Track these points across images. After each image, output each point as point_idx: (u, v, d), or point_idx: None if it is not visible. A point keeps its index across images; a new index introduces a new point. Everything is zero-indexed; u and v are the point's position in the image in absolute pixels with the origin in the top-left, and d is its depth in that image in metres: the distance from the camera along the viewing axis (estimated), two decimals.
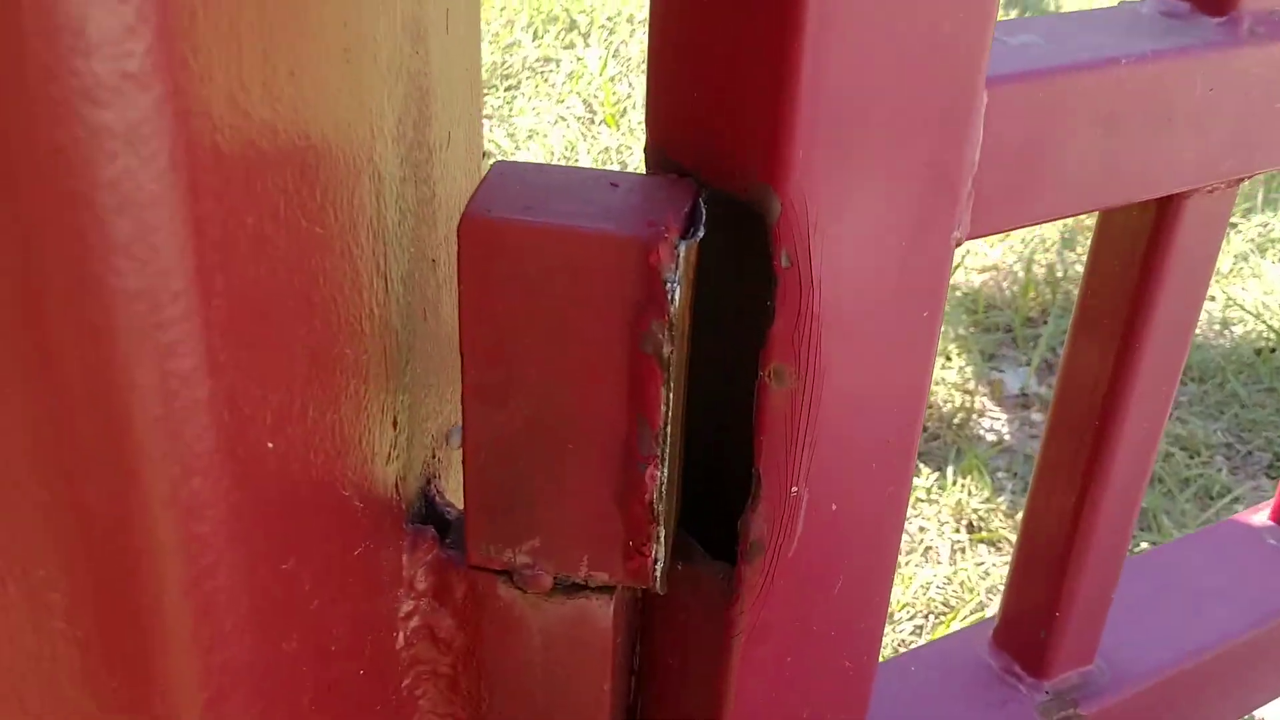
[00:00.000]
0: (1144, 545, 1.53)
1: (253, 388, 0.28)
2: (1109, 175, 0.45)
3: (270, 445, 0.30)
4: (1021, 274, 2.10)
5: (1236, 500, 1.63)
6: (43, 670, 0.28)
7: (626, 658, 0.48)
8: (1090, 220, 2.26)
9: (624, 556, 0.42)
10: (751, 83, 0.35)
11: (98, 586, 0.27)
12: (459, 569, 0.44)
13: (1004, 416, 1.76)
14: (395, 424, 0.41)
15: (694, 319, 0.40)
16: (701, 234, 0.37)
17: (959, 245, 0.40)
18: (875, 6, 0.35)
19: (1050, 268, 2.13)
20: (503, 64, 2.83)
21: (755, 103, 0.35)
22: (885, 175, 0.38)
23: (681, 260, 0.36)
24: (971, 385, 1.82)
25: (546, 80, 2.74)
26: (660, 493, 0.40)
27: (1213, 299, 2.08)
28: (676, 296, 0.36)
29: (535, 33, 2.94)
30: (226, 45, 0.25)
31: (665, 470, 0.39)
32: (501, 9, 3.04)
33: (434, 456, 0.47)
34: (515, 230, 0.36)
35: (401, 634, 0.45)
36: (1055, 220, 0.46)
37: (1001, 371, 1.86)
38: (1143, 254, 0.52)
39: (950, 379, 1.83)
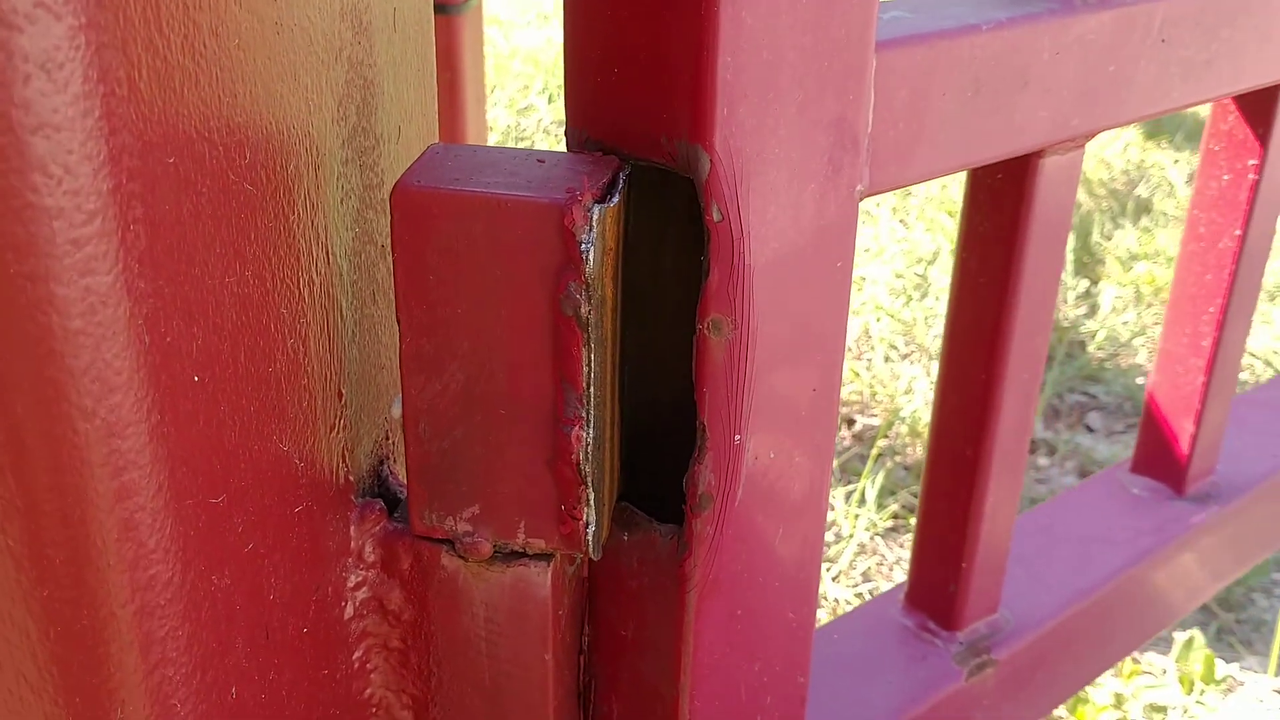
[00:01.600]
0: None
1: (175, 319, 0.31)
2: (976, 135, 0.49)
3: (196, 378, 0.32)
4: None
5: None
6: None
7: (572, 635, 0.50)
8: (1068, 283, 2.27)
9: (557, 521, 0.44)
10: (674, 53, 0.38)
11: (26, 497, 0.29)
12: (406, 540, 0.46)
13: None
14: (340, 395, 0.44)
15: (621, 292, 0.43)
16: (616, 200, 0.39)
17: (861, 200, 0.43)
18: None
19: (1058, 318, 2.15)
20: (517, 126, 2.90)
21: (679, 70, 0.38)
22: (799, 131, 0.41)
23: (595, 223, 0.38)
24: None
25: (559, 141, 2.80)
26: (586, 454, 0.42)
27: None
28: (591, 257, 0.38)
29: (550, 97, 3.02)
30: None
31: (590, 432, 0.41)
32: (517, 75, 3.12)
33: (388, 439, 0.50)
34: (442, 199, 0.39)
35: (350, 604, 0.46)
36: (936, 179, 0.49)
37: None
38: (1010, 210, 0.57)
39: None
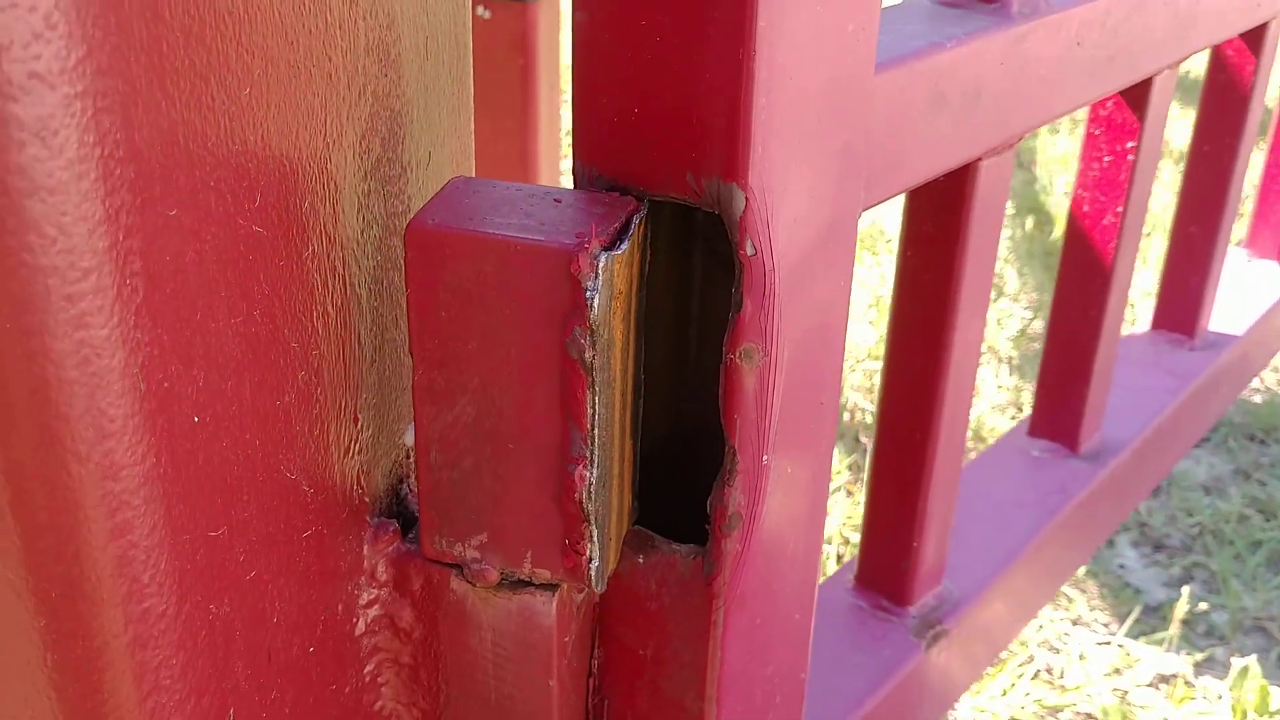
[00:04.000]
0: (1203, 606, 1.49)
1: (173, 364, 0.32)
2: (942, 145, 0.53)
3: (196, 419, 0.33)
4: None
5: None
6: None
7: (580, 661, 0.50)
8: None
9: (561, 554, 0.44)
10: (707, 95, 0.39)
11: (24, 533, 0.30)
12: (417, 561, 0.47)
13: None
14: (356, 420, 0.44)
15: (637, 328, 0.43)
16: (625, 248, 0.39)
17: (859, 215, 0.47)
18: (803, 17, 0.39)
19: (1132, 323, 2.09)
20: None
21: (714, 111, 0.39)
22: (817, 161, 0.42)
23: (601, 270, 0.38)
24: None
25: None
26: (589, 492, 0.42)
27: None
28: (596, 304, 0.38)
29: None
30: (145, 55, 0.28)
31: (594, 471, 0.42)
32: (565, 132, 3.13)
33: (409, 458, 0.50)
34: (454, 239, 0.39)
35: (362, 621, 0.47)
36: (903, 192, 0.52)
37: None
38: (953, 210, 0.61)
39: (1004, 426, 1.81)
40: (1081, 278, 0.84)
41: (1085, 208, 0.83)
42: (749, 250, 0.41)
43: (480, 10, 1.33)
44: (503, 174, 1.40)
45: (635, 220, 0.41)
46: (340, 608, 0.46)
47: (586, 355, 0.39)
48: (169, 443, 0.32)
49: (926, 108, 0.50)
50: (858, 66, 0.43)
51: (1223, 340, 1.07)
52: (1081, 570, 1.52)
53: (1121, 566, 1.54)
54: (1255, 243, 1.22)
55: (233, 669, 0.37)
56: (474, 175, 0.52)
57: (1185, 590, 1.48)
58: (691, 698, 0.49)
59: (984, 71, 0.53)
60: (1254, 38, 0.94)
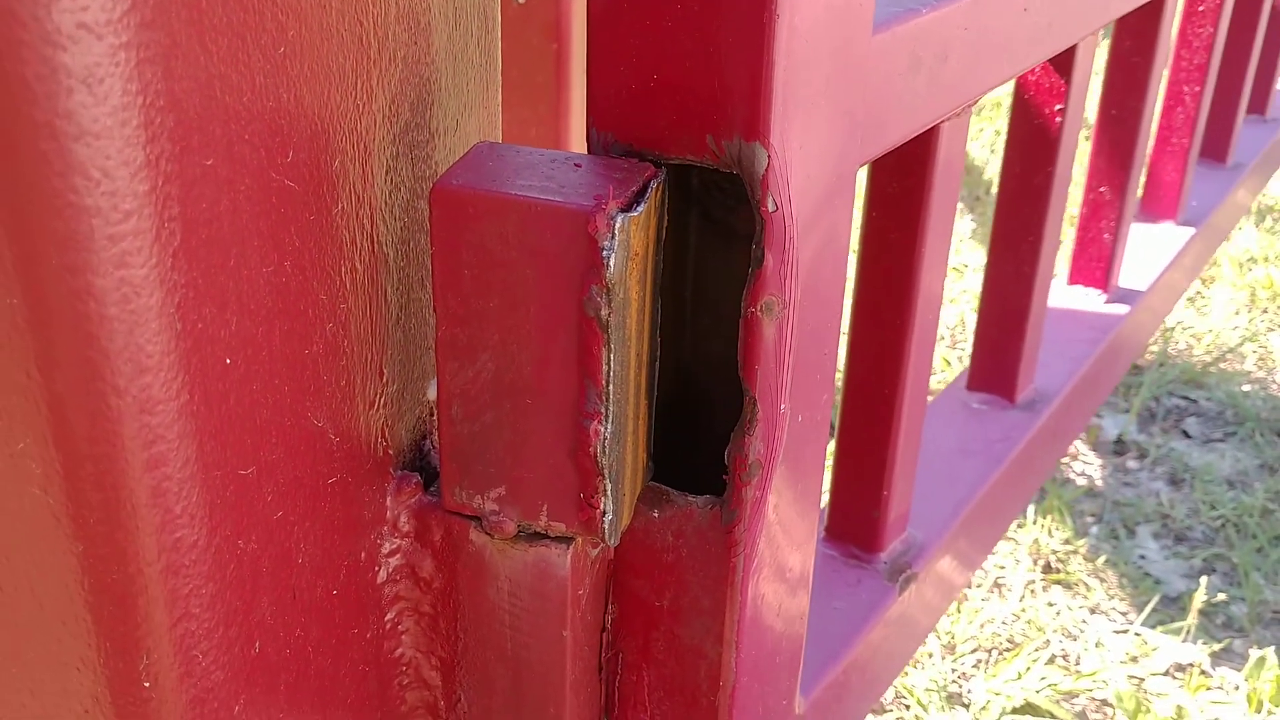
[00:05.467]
0: (1221, 597, 1.49)
1: (208, 307, 0.33)
2: (916, 107, 0.55)
3: (228, 361, 0.35)
4: None
5: None
6: (24, 531, 0.34)
7: (594, 614, 0.52)
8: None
9: (576, 508, 0.46)
10: (729, 60, 0.41)
11: (65, 461, 0.32)
12: (438, 513, 0.49)
13: (1097, 462, 1.73)
14: (382, 375, 0.46)
15: (653, 289, 0.45)
16: (641, 210, 0.41)
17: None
18: None
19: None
20: None
21: (736, 75, 0.41)
22: (826, 120, 0.45)
23: (618, 230, 0.40)
24: None
25: None
26: (604, 447, 0.43)
27: None
28: (612, 263, 0.40)
29: None
30: (186, 10, 0.30)
31: (609, 427, 0.43)
32: None
33: (431, 414, 0.52)
34: (477, 199, 0.41)
35: (384, 570, 0.49)
36: (885, 152, 0.56)
37: (1100, 417, 1.83)
38: (916, 173, 0.64)
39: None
40: (1015, 237, 0.89)
41: (1016, 169, 0.87)
42: (770, 206, 0.43)
43: None
44: None
45: (653, 185, 0.42)
46: (363, 555, 0.47)
47: (603, 313, 0.41)
48: (202, 382, 0.34)
49: (907, 70, 0.53)
50: (859, 29, 0.45)
51: (1132, 294, 1.14)
52: (1101, 559, 1.53)
53: (1142, 557, 1.55)
54: (1150, 204, 1.29)
55: (259, 603, 0.39)
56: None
57: (1204, 581, 1.48)
58: (711, 643, 0.52)
59: (951, 35, 0.57)
60: (1155, 7, 1.01)
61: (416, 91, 0.45)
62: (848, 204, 0.49)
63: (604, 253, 0.40)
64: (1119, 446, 1.76)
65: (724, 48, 0.41)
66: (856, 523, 0.76)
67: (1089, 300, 1.12)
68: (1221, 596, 1.48)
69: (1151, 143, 1.28)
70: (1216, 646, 1.40)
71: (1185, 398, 1.86)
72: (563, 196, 0.40)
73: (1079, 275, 1.13)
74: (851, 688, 0.71)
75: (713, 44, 0.41)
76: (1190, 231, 1.27)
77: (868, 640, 0.72)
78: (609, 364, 0.42)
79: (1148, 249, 1.24)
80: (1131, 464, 1.73)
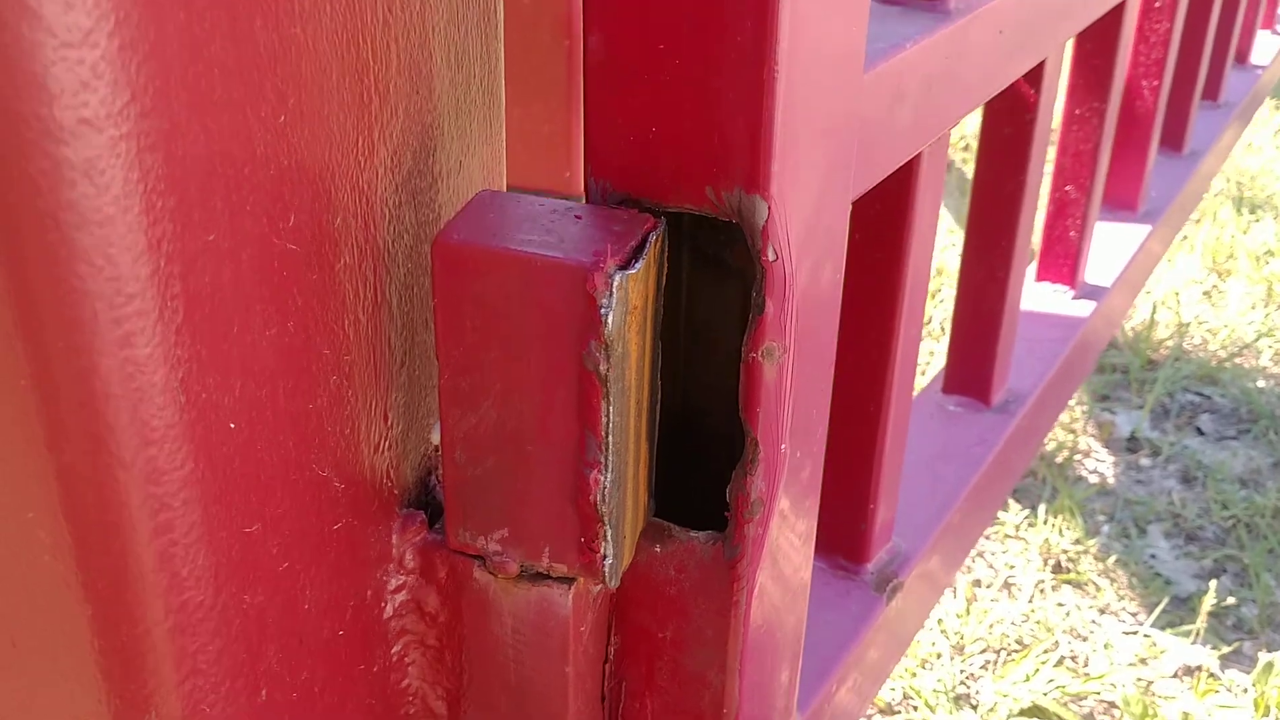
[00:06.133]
0: (1232, 600, 1.49)
1: (211, 376, 0.34)
2: (899, 140, 0.57)
3: (233, 425, 0.36)
4: (1147, 314, 2.06)
5: None
6: (35, 593, 0.35)
7: (595, 647, 0.53)
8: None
9: (578, 552, 0.46)
10: (729, 114, 0.41)
11: (74, 530, 0.33)
12: (443, 551, 0.50)
13: (1110, 459, 1.73)
14: (387, 418, 0.47)
15: (653, 337, 0.45)
16: (639, 267, 0.41)
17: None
18: (814, 31, 0.42)
19: (1177, 311, 2.08)
20: None
21: (735, 129, 0.42)
22: (823, 163, 0.46)
23: (616, 289, 0.40)
24: (1079, 425, 1.80)
25: None
26: (603, 495, 0.44)
27: None
28: (610, 320, 0.40)
29: None
30: (186, 93, 0.30)
31: (609, 475, 0.44)
32: None
33: (437, 450, 0.53)
34: (478, 255, 0.41)
35: (390, 605, 0.50)
36: (870, 188, 0.57)
37: (1114, 413, 1.83)
38: (896, 197, 0.66)
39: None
40: (988, 242, 0.91)
41: (989, 177, 0.90)
42: (770, 256, 0.43)
43: None
44: (547, 154, 1.43)
45: (652, 238, 0.43)
46: (369, 593, 0.48)
47: (601, 368, 0.41)
48: (207, 449, 0.35)
49: (892, 104, 0.54)
50: (854, 72, 0.46)
51: (1098, 290, 1.15)
52: (1111, 558, 1.53)
53: (1153, 557, 1.55)
54: (1111, 197, 1.31)
55: (265, 653, 0.40)
56: (505, 180, 0.55)
57: (1213, 583, 1.48)
58: (715, 671, 0.53)
59: (933, 67, 0.58)
60: (1115, 16, 1.03)
61: (419, 140, 0.46)
62: (842, 243, 0.50)
63: (602, 310, 0.40)
64: (1132, 444, 1.75)
65: (724, 103, 0.41)
66: (843, 534, 0.77)
67: (1057, 297, 1.14)
68: (1231, 600, 1.48)
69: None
70: (1226, 649, 1.40)
71: (1199, 394, 1.85)
72: (563, 252, 0.41)
73: (1046, 272, 1.15)
74: (844, 700, 0.72)
75: (713, 99, 0.41)
76: (1151, 222, 1.30)
77: (860, 650, 0.74)
78: (608, 415, 0.43)
79: (1110, 242, 1.25)
80: (1144, 461, 1.72)
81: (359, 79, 0.40)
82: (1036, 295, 1.13)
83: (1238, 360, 1.94)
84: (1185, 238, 2.28)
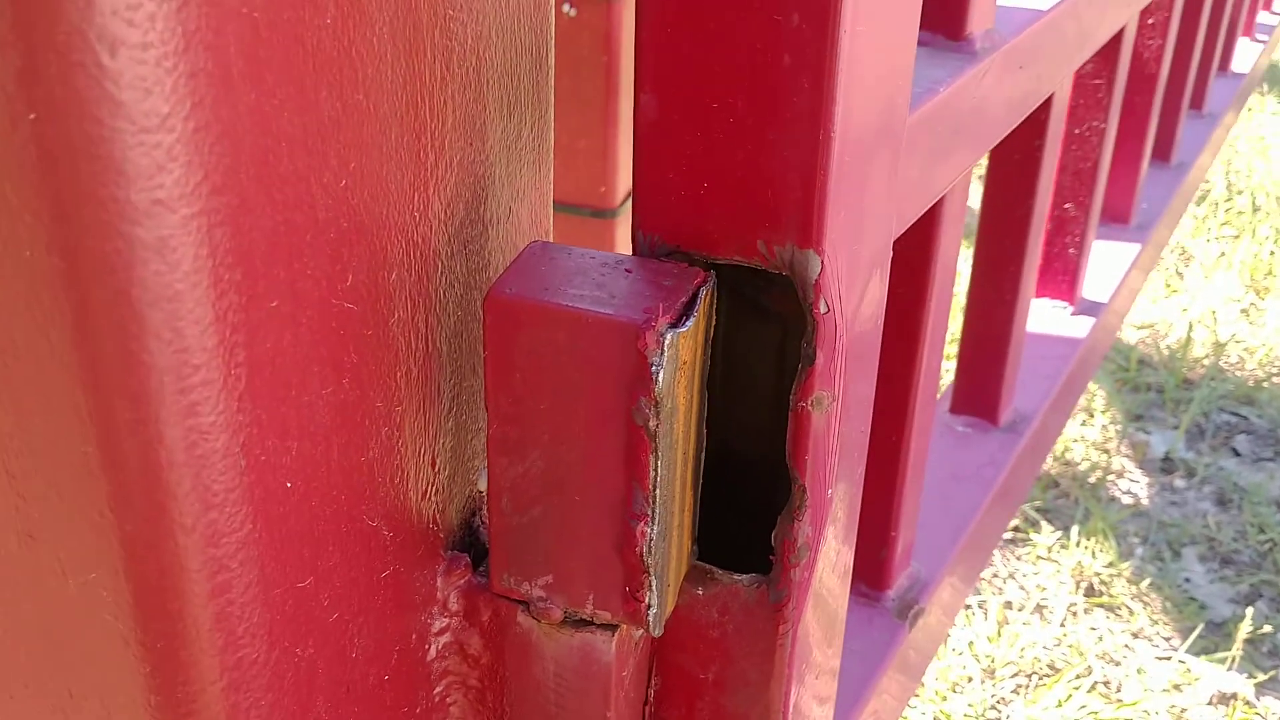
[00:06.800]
0: (1267, 627, 1.48)
1: (270, 439, 0.34)
2: (932, 181, 0.57)
3: (289, 485, 0.36)
4: (1184, 333, 2.04)
5: None
6: (95, 649, 0.35)
7: (636, 691, 0.53)
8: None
9: (622, 600, 0.47)
10: (782, 170, 0.42)
11: (135, 591, 0.34)
12: (486, 595, 0.50)
13: (1144, 480, 1.71)
14: (434, 464, 0.47)
15: (701, 388, 0.46)
16: (690, 325, 0.41)
17: None
18: (867, 87, 0.42)
19: (1214, 330, 2.06)
20: None
21: (789, 185, 0.42)
22: (872, 213, 0.46)
23: (667, 347, 0.40)
24: (1113, 445, 1.79)
25: None
26: (649, 547, 0.44)
27: None
28: (661, 378, 0.41)
29: None
30: (255, 168, 0.31)
31: (655, 527, 0.44)
32: None
33: (481, 493, 0.53)
34: (530, 309, 0.42)
35: (434, 647, 0.50)
36: (901, 231, 0.58)
37: (1148, 433, 1.81)
38: (922, 234, 0.67)
39: (1090, 436, 1.80)
40: (997, 264, 0.93)
41: (997, 202, 0.92)
42: (822, 309, 0.43)
43: (566, 8, 1.37)
44: (586, 169, 1.44)
45: (702, 293, 0.43)
46: (414, 636, 0.49)
47: (650, 424, 0.41)
48: (265, 509, 0.35)
49: (928, 148, 0.55)
50: (899, 124, 0.46)
51: (1096, 305, 1.17)
52: (1145, 582, 1.52)
53: (1187, 580, 1.53)
54: (1105, 211, 1.33)
55: (315, 703, 0.41)
56: (551, 225, 0.55)
57: (1249, 609, 1.47)
58: (759, 712, 0.53)
59: (961, 106, 0.58)
60: (1115, 39, 1.05)
61: (471, 190, 0.46)
62: (884, 289, 0.50)
63: (653, 368, 0.40)
64: (1166, 465, 1.74)
65: (778, 158, 0.41)
66: (865, 561, 0.77)
67: (1057, 314, 1.15)
68: (1268, 626, 1.46)
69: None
70: (1262, 677, 1.39)
71: (1236, 414, 1.84)
72: (613, 309, 0.41)
73: (1046, 289, 1.16)
74: None
75: (766, 154, 0.42)
76: (1144, 234, 1.31)
77: (885, 677, 0.74)
78: (656, 469, 0.43)
79: (1105, 256, 1.27)
80: (1179, 483, 1.71)
81: (416, 138, 0.40)
82: (1036, 312, 1.15)
83: (1276, 380, 1.92)
84: (1223, 254, 2.26)
